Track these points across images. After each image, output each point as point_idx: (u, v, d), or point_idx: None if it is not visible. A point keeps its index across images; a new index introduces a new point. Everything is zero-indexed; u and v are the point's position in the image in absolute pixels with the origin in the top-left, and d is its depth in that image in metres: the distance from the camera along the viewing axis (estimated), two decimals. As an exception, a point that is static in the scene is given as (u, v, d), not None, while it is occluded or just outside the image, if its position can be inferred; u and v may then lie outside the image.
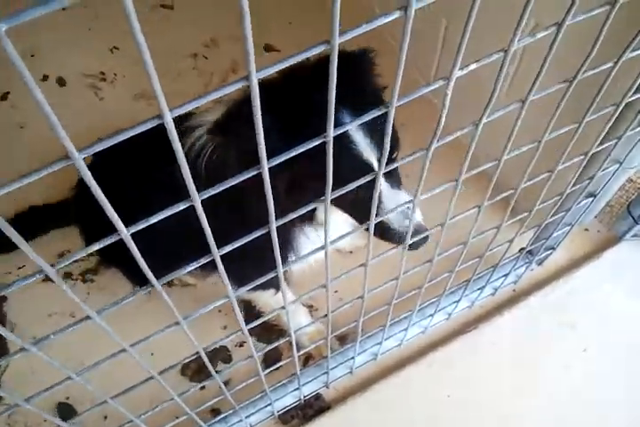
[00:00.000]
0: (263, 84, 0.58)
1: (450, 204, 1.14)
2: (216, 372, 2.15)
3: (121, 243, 0.68)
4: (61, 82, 2.88)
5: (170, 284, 2.26)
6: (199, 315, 0.99)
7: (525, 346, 2.10)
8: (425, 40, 2.43)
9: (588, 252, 2.30)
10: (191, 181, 0.63)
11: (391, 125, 0.77)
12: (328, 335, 1.48)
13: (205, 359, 1.18)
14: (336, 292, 2.14)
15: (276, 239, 0.86)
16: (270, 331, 2.16)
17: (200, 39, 3.01)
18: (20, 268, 2.36)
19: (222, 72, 2.90)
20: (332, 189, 0.81)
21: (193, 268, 0.84)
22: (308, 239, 1.58)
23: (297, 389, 1.83)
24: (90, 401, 2.10)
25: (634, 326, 2.15)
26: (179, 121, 0.59)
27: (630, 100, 1.17)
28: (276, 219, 0.80)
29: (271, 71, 0.58)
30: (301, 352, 1.49)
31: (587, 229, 2.34)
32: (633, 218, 2.10)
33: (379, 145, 1.27)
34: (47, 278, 0.61)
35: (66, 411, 2.07)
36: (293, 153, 0.70)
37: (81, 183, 2.15)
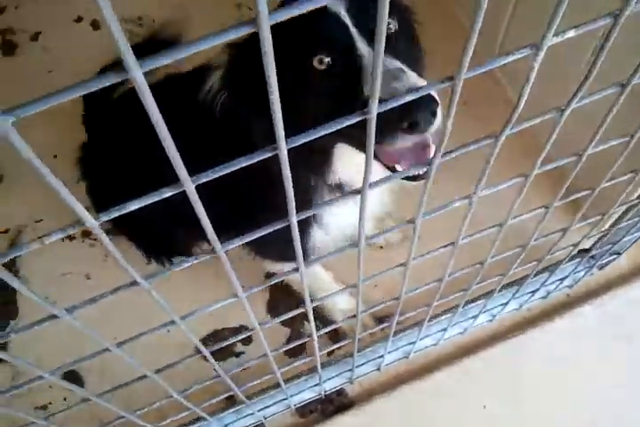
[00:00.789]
0: None
1: (514, 202, 0.96)
2: (235, 354, 2.06)
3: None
4: (95, 25, 2.72)
5: (191, 254, 2.11)
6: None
7: (574, 357, 1.91)
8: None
9: (654, 260, 2.08)
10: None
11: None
12: (356, 334, 1.32)
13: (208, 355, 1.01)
14: (375, 286, 1.99)
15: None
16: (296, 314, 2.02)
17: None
18: (37, 221, 2.25)
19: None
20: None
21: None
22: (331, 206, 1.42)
23: (317, 384, 1.68)
24: (98, 371, 1.98)
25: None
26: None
27: None
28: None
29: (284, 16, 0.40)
30: (330, 328, 1.32)
31: (656, 234, 2.12)
32: None
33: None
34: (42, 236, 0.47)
35: (71, 378, 1.96)
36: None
37: (91, 140, 2.03)
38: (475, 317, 1.75)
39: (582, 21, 0.59)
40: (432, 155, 1.19)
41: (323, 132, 0.55)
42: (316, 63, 1.12)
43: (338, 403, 1.86)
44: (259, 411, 1.69)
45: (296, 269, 0.85)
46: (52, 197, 0.48)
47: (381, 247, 2.15)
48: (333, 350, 1.94)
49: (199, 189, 0.53)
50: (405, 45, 1.20)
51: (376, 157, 1.19)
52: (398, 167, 1.20)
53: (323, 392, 1.75)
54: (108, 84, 0.40)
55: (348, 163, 1.32)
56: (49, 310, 0.65)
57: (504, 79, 2.31)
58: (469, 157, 0.76)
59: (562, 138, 0.84)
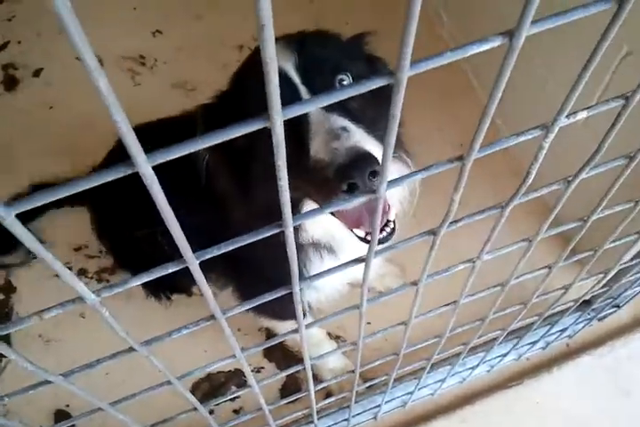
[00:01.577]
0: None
1: (518, 264, 0.95)
2: (230, 398, 2.02)
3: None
4: (98, 62, 2.71)
5: (190, 293, 2.11)
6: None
7: (573, 410, 1.88)
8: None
9: (656, 312, 2.06)
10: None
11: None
12: (354, 388, 1.30)
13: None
14: (369, 323, 1.96)
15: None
16: (291, 360, 2.00)
17: (248, 31, 2.76)
18: (34, 257, 2.24)
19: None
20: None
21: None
22: (320, 262, 1.41)
23: (313, 433, 1.65)
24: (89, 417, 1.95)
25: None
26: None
27: None
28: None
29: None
30: (320, 387, 1.29)
31: (656, 285, 2.10)
32: None
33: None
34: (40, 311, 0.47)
35: (63, 419, 1.93)
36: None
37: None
38: (473, 367, 1.73)
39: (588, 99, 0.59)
40: (392, 217, 1.19)
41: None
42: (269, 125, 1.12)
43: (331, 451, 1.83)
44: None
45: (295, 331, 0.84)
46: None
47: (380, 292, 2.13)
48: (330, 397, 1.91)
49: (195, 236, 0.53)
50: (363, 101, 1.17)
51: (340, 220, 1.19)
52: (359, 232, 1.18)
53: (317, 442, 1.72)
54: (115, 177, 0.39)
55: (316, 222, 1.31)
56: (44, 376, 0.63)
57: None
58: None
59: (568, 198, 0.83)
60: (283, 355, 2.01)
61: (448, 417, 1.84)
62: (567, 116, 0.56)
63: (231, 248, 0.53)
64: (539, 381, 1.90)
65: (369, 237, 1.17)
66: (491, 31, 0.42)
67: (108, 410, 0.82)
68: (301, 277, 1.41)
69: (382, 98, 1.27)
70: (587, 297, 1.47)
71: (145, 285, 2.04)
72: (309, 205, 1.27)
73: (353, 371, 1.18)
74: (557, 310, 1.42)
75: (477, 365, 1.69)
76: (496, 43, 0.42)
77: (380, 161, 1.00)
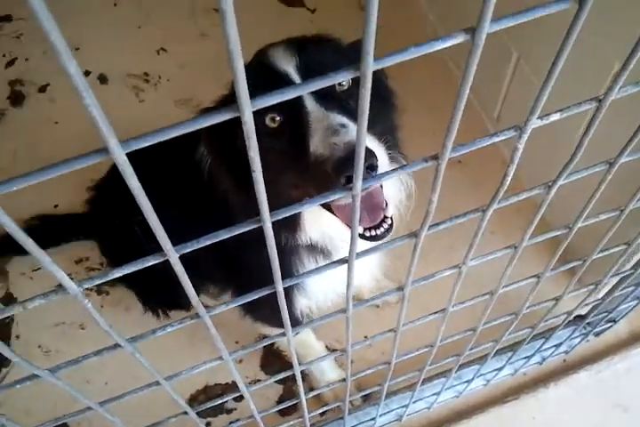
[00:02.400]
0: None
1: (504, 272, 0.96)
2: (226, 411, 2.03)
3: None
4: (103, 79, 2.79)
5: (189, 307, 2.11)
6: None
7: (570, 425, 1.87)
8: (489, 70, 2.22)
9: (653, 326, 2.05)
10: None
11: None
12: (346, 397, 1.30)
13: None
14: (370, 346, 1.98)
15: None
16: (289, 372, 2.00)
17: (251, 48, 2.81)
18: (35, 270, 2.27)
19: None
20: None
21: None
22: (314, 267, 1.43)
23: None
24: (87, 422, 1.96)
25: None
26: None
27: None
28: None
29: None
30: (313, 394, 1.30)
31: (654, 301, 2.10)
32: None
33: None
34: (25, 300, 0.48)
35: (61, 430, 1.93)
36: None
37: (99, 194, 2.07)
38: (469, 381, 1.73)
39: (571, 100, 0.61)
40: (389, 213, 1.21)
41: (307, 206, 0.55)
42: (268, 121, 1.16)
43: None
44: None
45: (283, 334, 0.85)
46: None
47: (377, 306, 2.14)
48: (326, 412, 1.91)
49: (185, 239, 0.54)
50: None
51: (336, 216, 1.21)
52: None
53: (311, 454, 1.72)
54: (90, 163, 0.41)
55: (316, 221, 1.33)
56: (31, 369, 0.65)
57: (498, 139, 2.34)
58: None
59: (556, 199, 0.84)
60: (281, 368, 2.01)
61: (444, 432, 1.84)
62: (540, 118, 0.58)
63: (210, 242, 0.54)
64: (535, 396, 1.89)
65: (367, 233, 1.19)
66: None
67: (97, 410, 0.82)
68: (294, 284, 1.43)
69: (380, 99, 1.30)
70: (580, 310, 1.47)
71: (143, 300, 2.06)
72: (309, 210, 1.29)
73: (344, 380, 1.19)
74: (551, 323, 1.43)
75: (472, 378, 1.69)
76: (459, 39, 0.43)
77: (377, 157, 1.02)
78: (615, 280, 1.42)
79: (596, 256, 1.08)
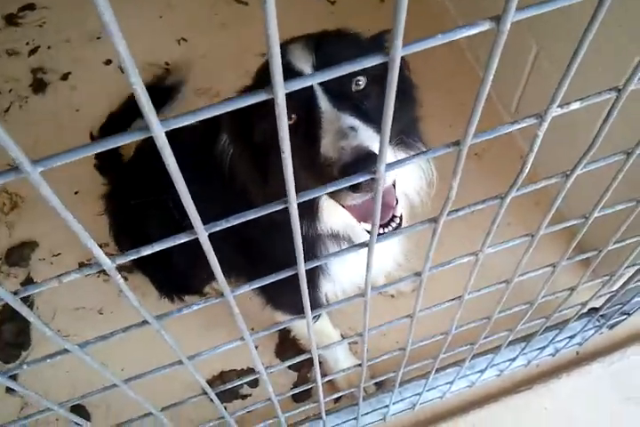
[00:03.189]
0: None
1: (521, 260, 0.97)
2: (241, 396, 2.06)
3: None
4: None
5: (204, 294, 2.16)
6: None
7: (581, 417, 1.88)
8: (509, 64, 2.22)
9: (667, 319, 2.06)
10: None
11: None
12: (361, 383, 1.32)
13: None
14: (384, 335, 2.00)
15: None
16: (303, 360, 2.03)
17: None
18: (55, 255, 2.30)
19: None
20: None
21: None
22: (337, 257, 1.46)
23: (321, 431, 1.67)
24: (105, 405, 2.00)
25: None
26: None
27: None
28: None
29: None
30: (328, 378, 1.32)
31: (668, 295, 2.10)
32: None
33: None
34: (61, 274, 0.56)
35: (78, 412, 1.97)
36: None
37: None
38: (482, 371, 1.75)
39: (591, 90, 0.62)
40: (398, 212, 1.23)
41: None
42: None
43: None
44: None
45: (303, 317, 0.88)
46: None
47: (392, 296, 2.16)
48: (340, 398, 1.94)
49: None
50: (377, 102, 1.22)
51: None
52: (366, 226, 1.23)
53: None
54: (129, 141, 0.43)
55: (334, 212, 1.35)
56: (61, 344, 0.67)
57: (517, 132, 2.35)
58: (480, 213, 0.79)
59: (573, 192, 0.86)
60: (295, 355, 2.03)
61: (456, 421, 1.85)
62: (560, 106, 0.60)
63: (239, 221, 0.56)
64: (548, 387, 1.91)
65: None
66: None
67: (121, 387, 0.85)
68: (320, 269, 1.45)
69: (401, 92, 1.31)
70: (594, 303, 1.48)
71: (158, 286, 2.08)
72: (327, 201, 1.31)
73: (360, 365, 1.21)
74: (565, 314, 1.44)
75: (486, 368, 1.71)
76: (485, 27, 0.45)
77: (380, 148, 1.04)
78: (631, 272, 1.43)
79: (612, 247, 1.09)
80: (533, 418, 1.88)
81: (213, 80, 2.72)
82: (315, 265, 0.72)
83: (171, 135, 0.43)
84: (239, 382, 1.07)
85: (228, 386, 1.07)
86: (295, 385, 2.00)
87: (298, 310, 0.97)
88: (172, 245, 0.57)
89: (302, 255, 0.68)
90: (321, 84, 1.16)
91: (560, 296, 1.27)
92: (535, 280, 1.11)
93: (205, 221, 0.55)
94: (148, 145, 1.89)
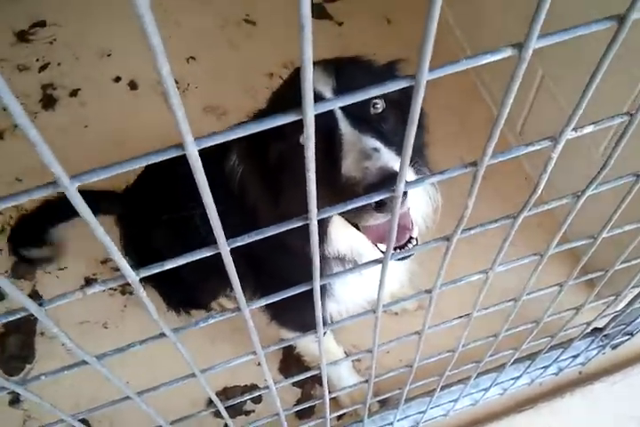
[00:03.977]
0: None
1: (529, 279, 0.99)
2: (244, 412, 2.06)
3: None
4: (133, 85, 2.85)
5: (209, 309, 2.16)
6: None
7: (583, 437, 1.89)
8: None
9: (670, 340, 2.07)
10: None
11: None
12: (367, 399, 1.33)
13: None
14: (388, 353, 2.01)
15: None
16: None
17: (279, 59, 2.86)
18: (61, 269, 2.31)
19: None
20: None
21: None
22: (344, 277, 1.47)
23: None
24: (108, 421, 2.00)
25: None
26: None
27: None
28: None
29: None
30: (333, 395, 1.34)
31: (671, 316, 2.11)
32: None
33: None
34: (83, 286, 0.59)
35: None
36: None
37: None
38: (486, 389, 1.75)
39: (602, 114, 0.64)
40: (415, 234, 1.25)
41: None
42: (302, 140, 1.19)
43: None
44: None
45: (312, 333, 0.89)
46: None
47: (396, 314, 2.17)
48: (343, 416, 1.95)
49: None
50: (395, 125, 1.26)
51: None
52: (383, 247, 1.24)
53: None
54: (165, 158, 0.45)
55: (342, 235, 1.37)
56: (81, 356, 0.68)
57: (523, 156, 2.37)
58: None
59: (579, 215, 0.87)
60: (298, 371, 2.04)
61: (459, 439, 1.86)
62: (574, 130, 0.61)
63: (260, 237, 0.58)
64: (550, 406, 1.91)
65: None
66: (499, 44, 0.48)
67: (134, 399, 0.86)
68: (324, 289, 1.47)
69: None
70: (598, 323, 1.50)
71: (166, 299, 2.09)
72: (336, 223, 1.33)
73: (367, 381, 1.22)
74: (569, 333, 1.45)
75: (490, 386, 1.72)
76: (507, 53, 0.47)
77: (401, 167, 1.06)
78: (634, 292, 1.45)
79: (618, 267, 1.10)
80: (536, 438, 1.88)
81: (221, 98, 2.75)
82: (327, 281, 0.74)
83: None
84: (247, 398, 1.08)
85: (237, 400, 1.08)
86: (299, 402, 2.01)
87: (303, 327, 0.99)
88: (196, 258, 0.59)
89: (318, 271, 0.69)
90: (341, 107, 1.18)
91: (565, 316, 1.28)
92: (539, 300, 1.13)
93: (212, 239, 0.56)
94: (153, 169, 1.90)
